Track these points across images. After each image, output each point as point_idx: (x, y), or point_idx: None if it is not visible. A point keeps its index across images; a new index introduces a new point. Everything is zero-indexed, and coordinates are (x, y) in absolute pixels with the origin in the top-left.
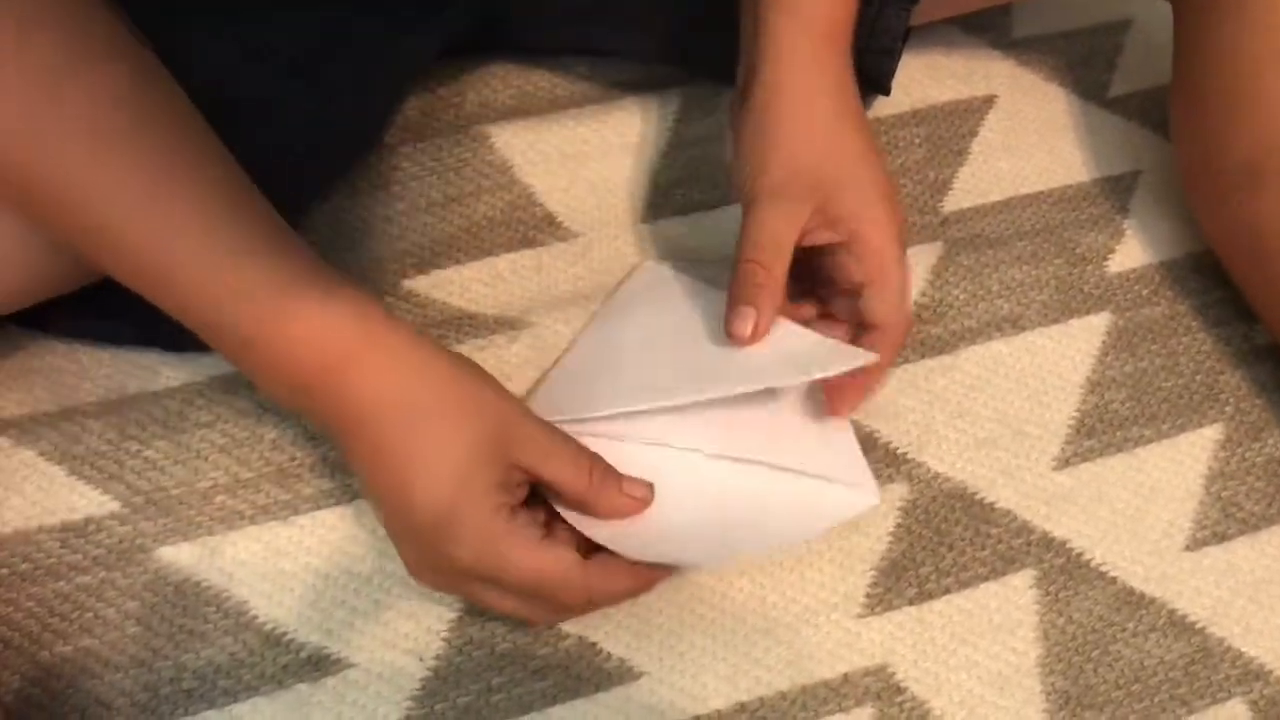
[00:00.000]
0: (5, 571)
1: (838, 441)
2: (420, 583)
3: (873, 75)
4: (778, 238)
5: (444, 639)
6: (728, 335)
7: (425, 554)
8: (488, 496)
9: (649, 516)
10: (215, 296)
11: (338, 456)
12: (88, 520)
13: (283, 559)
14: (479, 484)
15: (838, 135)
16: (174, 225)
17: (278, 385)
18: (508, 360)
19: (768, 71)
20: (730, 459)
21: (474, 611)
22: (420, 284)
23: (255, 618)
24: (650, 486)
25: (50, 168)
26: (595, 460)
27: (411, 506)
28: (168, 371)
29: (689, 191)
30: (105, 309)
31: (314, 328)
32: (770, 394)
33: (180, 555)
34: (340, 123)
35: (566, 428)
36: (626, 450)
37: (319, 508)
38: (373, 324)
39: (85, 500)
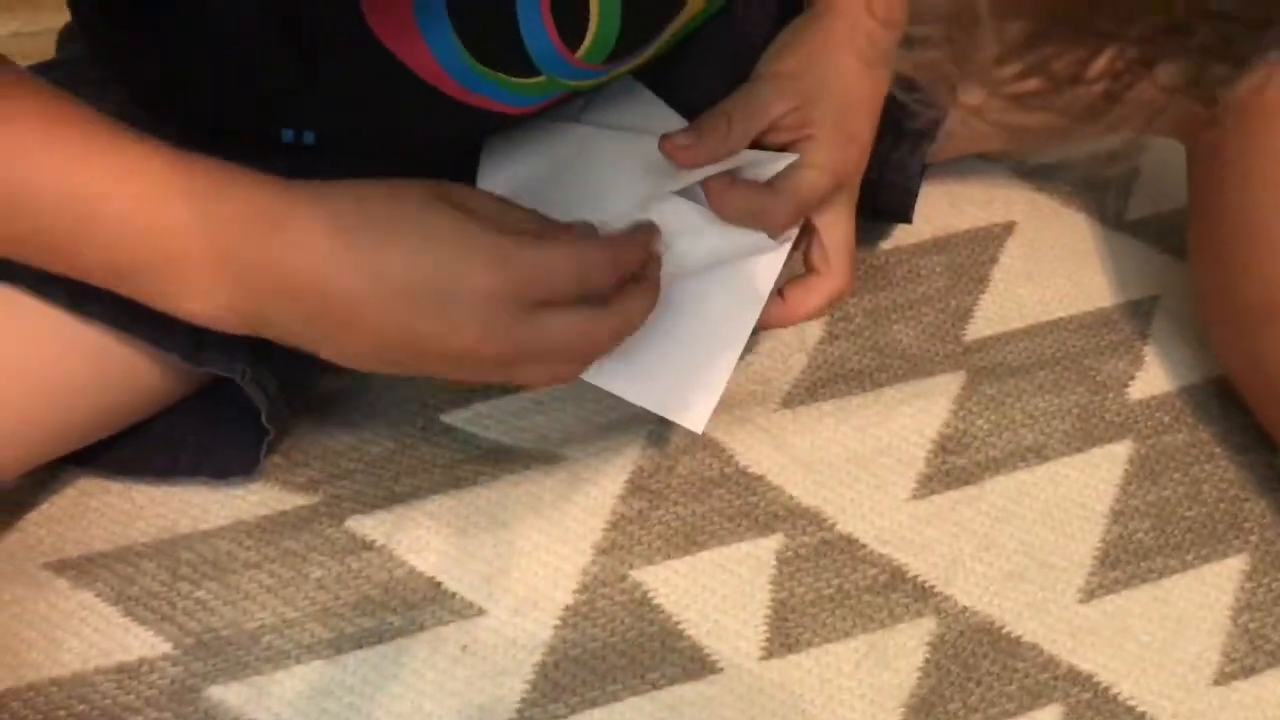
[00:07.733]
0: (63, 714)
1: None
2: (488, 355)
3: (895, 207)
4: (756, 102)
5: None
6: (660, 148)
7: (481, 299)
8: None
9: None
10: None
11: (380, 595)
12: (141, 661)
13: (326, 698)
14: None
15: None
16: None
17: (226, 257)
18: (543, 495)
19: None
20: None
21: None
22: (458, 418)
23: None
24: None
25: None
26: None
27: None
28: (217, 510)
29: None
30: (155, 444)
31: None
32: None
33: (229, 695)
34: None
35: None
36: None
37: (361, 646)
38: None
39: (139, 641)
